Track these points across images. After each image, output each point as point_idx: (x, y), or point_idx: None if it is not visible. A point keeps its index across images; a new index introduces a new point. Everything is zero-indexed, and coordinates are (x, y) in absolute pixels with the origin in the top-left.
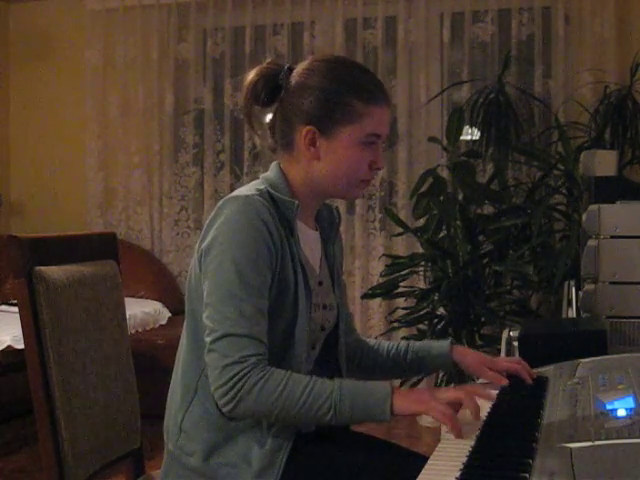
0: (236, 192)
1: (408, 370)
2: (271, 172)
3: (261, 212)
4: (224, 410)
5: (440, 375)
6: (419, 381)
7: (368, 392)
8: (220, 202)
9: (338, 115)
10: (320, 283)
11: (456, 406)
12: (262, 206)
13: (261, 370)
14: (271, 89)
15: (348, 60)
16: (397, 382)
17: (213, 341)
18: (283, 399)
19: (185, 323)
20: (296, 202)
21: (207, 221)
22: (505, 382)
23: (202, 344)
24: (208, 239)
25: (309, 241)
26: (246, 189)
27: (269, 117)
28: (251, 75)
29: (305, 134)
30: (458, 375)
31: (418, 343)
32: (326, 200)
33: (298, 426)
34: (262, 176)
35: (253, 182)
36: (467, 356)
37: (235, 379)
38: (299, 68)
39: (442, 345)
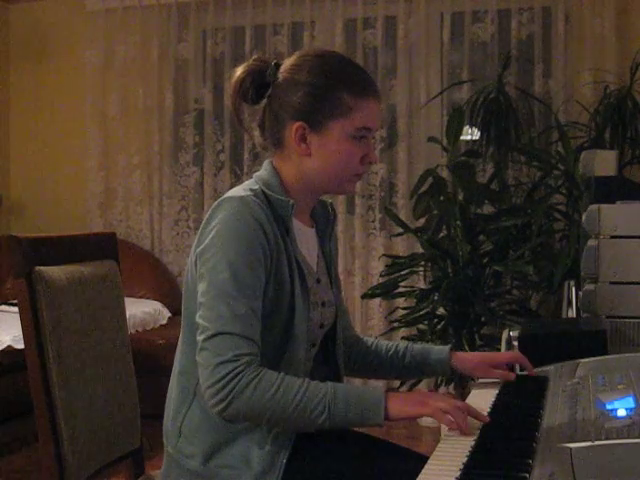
0: (230, 193)
1: (405, 373)
2: (264, 171)
3: (256, 213)
4: (215, 411)
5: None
6: (418, 381)
7: (362, 395)
8: (215, 203)
9: (328, 109)
10: (318, 280)
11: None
12: (257, 206)
13: (254, 370)
14: (259, 86)
15: (336, 54)
16: (396, 382)
17: (205, 339)
18: (277, 400)
19: (182, 325)
20: (291, 201)
21: (203, 222)
22: (513, 377)
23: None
24: (204, 241)
25: (305, 239)
26: (240, 189)
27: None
28: (238, 72)
29: (295, 130)
30: (458, 376)
31: (417, 346)
32: (320, 196)
33: (293, 430)
34: (255, 175)
35: (247, 182)
36: (467, 361)
37: (228, 378)
38: (287, 64)
39: (441, 351)
